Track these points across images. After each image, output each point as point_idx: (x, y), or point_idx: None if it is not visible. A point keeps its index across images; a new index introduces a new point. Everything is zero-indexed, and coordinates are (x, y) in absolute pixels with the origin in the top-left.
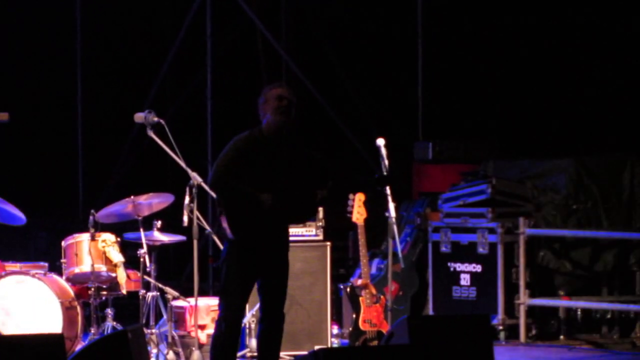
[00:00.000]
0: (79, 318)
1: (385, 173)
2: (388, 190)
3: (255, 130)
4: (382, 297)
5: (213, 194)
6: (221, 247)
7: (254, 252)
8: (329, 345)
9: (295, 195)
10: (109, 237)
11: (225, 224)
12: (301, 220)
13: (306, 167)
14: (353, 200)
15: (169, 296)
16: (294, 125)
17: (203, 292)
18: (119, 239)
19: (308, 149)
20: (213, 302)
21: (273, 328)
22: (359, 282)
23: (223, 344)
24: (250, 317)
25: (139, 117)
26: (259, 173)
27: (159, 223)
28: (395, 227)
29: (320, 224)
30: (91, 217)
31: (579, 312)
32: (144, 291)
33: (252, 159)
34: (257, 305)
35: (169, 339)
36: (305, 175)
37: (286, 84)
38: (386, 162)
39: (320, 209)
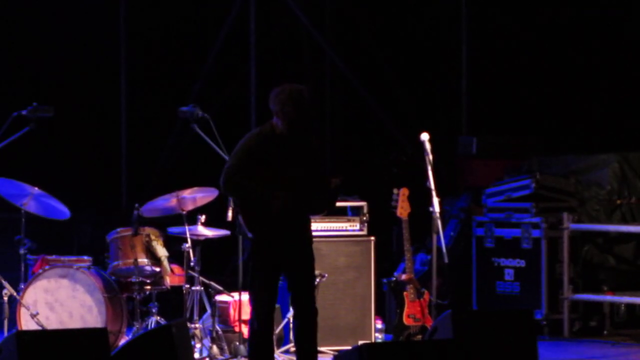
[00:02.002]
0: (123, 312)
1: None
2: (432, 184)
3: (267, 127)
4: (426, 291)
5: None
6: None
7: (274, 248)
8: (373, 340)
9: (309, 189)
10: (152, 232)
11: (242, 222)
12: (318, 212)
13: (319, 160)
14: (397, 194)
15: (213, 291)
16: (307, 121)
17: (247, 287)
18: (162, 234)
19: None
20: None
21: (306, 323)
22: (403, 276)
23: (258, 341)
24: (293, 312)
25: (183, 112)
26: (271, 170)
27: (202, 217)
28: (439, 222)
29: (365, 218)
30: (135, 212)
31: (622, 308)
32: (188, 286)
33: (264, 157)
34: None
35: (213, 334)
36: (318, 168)
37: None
38: (430, 157)
39: (364, 204)
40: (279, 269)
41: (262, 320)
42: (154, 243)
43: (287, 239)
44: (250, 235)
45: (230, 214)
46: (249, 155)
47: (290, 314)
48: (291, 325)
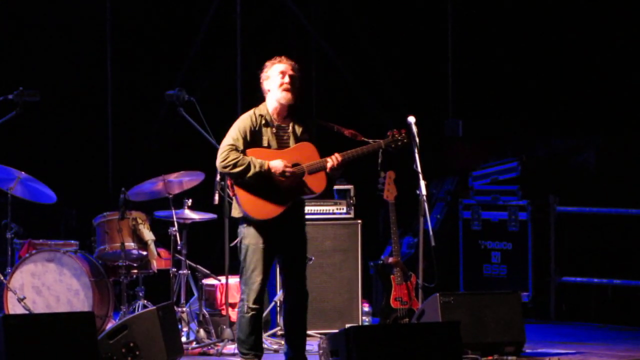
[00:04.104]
0: (110, 296)
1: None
2: (419, 167)
3: (260, 108)
4: (412, 274)
5: (224, 172)
6: None
7: (269, 230)
8: (360, 323)
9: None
10: (139, 215)
11: (238, 202)
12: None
13: (314, 140)
14: (384, 178)
15: (200, 274)
16: (299, 99)
17: (234, 270)
18: (149, 217)
19: (316, 120)
20: None
21: (297, 306)
22: (390, 259)
23: (247, 323)
24: (281, 295)
25: (169, 95)
26: (266, 152)
27: (189, 201)
28: (426, 205)
29: (351, 201)
30: (122, 196)
31: (609, 290)
32: (175, 269)
33: (258, 138)
34: None
35: (200, 317)
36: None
37: (286, 57)
38: (417, 140)
39: (351, 187)
40: (274, 253)
41: (253, 301)
42: (141, 227)
43: (284, 220)
44: (245, 214)
45: (217, 197)
46: (244, 137)
47: (278, 297)
48: (278, 308)
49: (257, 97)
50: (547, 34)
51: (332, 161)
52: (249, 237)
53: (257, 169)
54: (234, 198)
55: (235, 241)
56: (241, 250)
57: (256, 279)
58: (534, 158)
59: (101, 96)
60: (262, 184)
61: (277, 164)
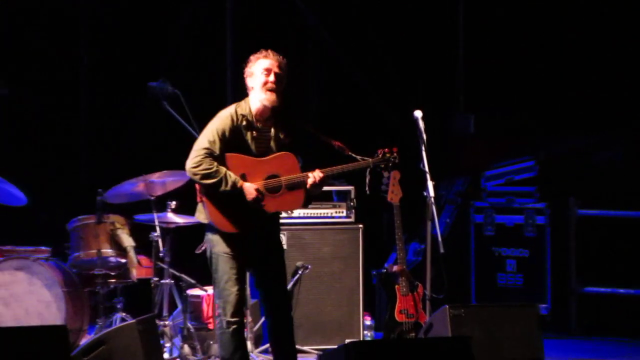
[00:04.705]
0: (85, 308)
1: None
2: (426, 166)
3: (242, 106)
4: (419, 284)
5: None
6: None
7: (240, 239)
8: (361, 338)
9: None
10: (118, 219)
11: (206, 210)
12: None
13: (299, 144)
14: (388, 178)
15: (184, 284)
16: (284, 99)
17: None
18: (129, 221)
19: (303, 125)
20: None
21: (281, 322)
22: (395, 268)
23: (230, 340)
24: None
25: (152, 87)
26: (245, 155)
27: (173, 203)
28: (434, 208)
29: (352, 204)
30: (99, 197)
31: (637, 302)
32: (157, 279)
33: (238, 140)
34: None
35: (184, 332)
36: (297, 153)
37: (273, 51)
38: (424, 136)
39: (352, 188)
40: (248, 263)
41: (232, 314)
42: (120, 232)
43: (256, 233)
44: (211, 224)
45: None
46: (222, 138)
47: None
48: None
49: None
50: (568, 18)
51: (313, 177)
52: (218, 245)
53: (229, 188)
54: (200, 203)
55: (201, 247)
56: (211, 259)
57: (231, 289)
58: (553, 156)
59: (74, 88)
60: (232, 198)
61: (251, 190)
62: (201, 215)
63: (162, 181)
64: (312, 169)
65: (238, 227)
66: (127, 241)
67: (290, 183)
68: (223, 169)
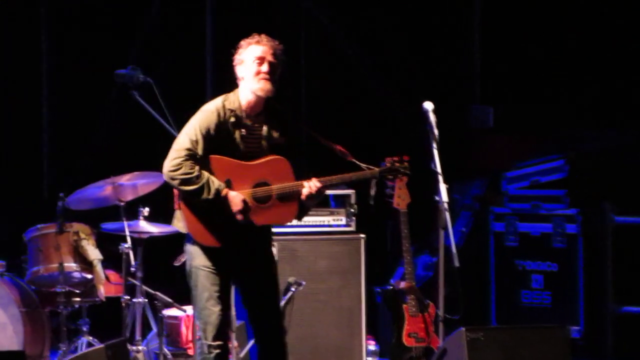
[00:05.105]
0: (45, 331)
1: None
2: (438, 167)
3: (230, 99)
4: (430, 304)
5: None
6: None
7: (223, 252)
8: None
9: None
10: (82, 229)
11: (183, 219)
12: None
13: (293, 144)
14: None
15: (159, 303)
16: (279, 90)
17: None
18: (95, 231)
19: (297, 121)
20: None
21: (272, 348)
22: (402, 284)
23: None
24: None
25: (120, 76)
26: (232, 156)
27: (145, 210)
28: (447, 215)
29: (352, 210)
30: (60, 203)
31: None
32: (128, 297)
33: (224, 138)
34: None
35: (160, 358)
36: (292, 156)
37: (267, 37)
38: (436, 132)
39: (352, 193)
40: (233, 279)
41: (213, 337)
42: (84, 243)
43: (242, 247)
44: (188, 233)
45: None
46: (206, 136)
47: None
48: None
49: (230, 78)
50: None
51: (309, 188)
52: (198, 258)
53: (211, 196)
54: (178, 211)
55: (180, 259)
56: (190, 273)
57: (212, 309)
58: (586, 154)
59: (34, 77)
60: (214, 207)
61: (236, 201)
62: (179, 223)
63: (133, 184)
64: (308, 177)
65: (220, 240)
66: (94, 254)
67: (281, 193)
68: (206, 174)
